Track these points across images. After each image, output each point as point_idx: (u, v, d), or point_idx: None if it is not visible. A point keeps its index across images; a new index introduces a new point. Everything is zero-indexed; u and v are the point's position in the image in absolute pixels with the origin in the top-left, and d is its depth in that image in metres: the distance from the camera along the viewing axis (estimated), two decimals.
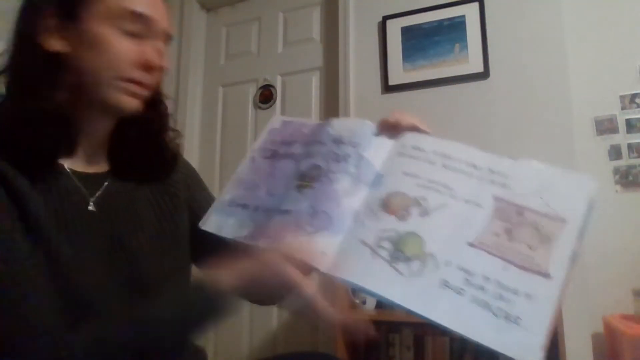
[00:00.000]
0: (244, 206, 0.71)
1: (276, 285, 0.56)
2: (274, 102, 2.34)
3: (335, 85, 2.12)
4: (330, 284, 0.62)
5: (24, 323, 0.54)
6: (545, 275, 0.54)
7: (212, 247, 0.68)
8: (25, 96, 0.60)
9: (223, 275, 0.58)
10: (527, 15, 1.84)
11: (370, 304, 1.73)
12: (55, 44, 0.62)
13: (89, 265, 0.62)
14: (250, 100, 2.41)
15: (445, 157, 0.67)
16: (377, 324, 1.79)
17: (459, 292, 0.54)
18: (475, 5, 1.90)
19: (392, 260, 0.58)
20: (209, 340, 2.17)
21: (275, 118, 0.84)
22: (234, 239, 0.67)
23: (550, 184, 0.61)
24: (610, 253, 1.80)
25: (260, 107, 2.37)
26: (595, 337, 1.65)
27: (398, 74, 1.98)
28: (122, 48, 0.62)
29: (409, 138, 0.71)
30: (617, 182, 1.86)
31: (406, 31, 2.00)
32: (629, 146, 1.87)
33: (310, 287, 0.56)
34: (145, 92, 0.67)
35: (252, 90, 2.41)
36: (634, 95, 1.88)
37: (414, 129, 0.71)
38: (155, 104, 0.73)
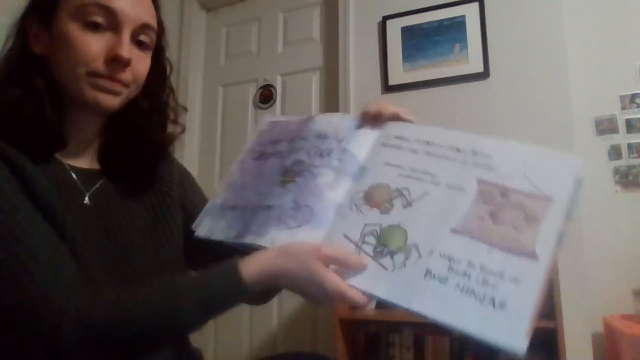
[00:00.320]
0: (234, 208, 0.71)
1: (305, 280, 0.56)
2: (274, 102, 2.34)
3: (335, 85, 2.12)
4: None
5: (40, 275, 0.54)
6: (531, 256, 0.53)
7: (207, 250, 0.69)
8: (12, 94, 0.62)
9: (251, 262, 0.57)
10: (527, 15, 1.84)
11: (370, 304, 1.73)
12: (39, 48, 0.65)
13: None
14: (250, 100, 2.40)
15: (427, 143, 0.67)
16: (377, 324, 1.79)
17: (443, 280, 0.54)
18: (475, 5, 1.90)
19: (376, 255, 0.58)
20: (209, 340, 2.18)
21: (264, 120, 0.84)
22: (225, 241, 0.67)
23: (536, 163, 0.60)
24: (610, 253, 1.80)
25: (260, 107, 2.37)
26: (595, 337, 1.65)
27: (398, 74, 1.98)
28: (86, 43, 0.62)
29: (392, 128, 0.70)
30: (617, 182, 1.86)
31: (406, 31, 2.00)
32: (629, 146, 1.87)
33: (341, 282, 0.55)
34: (119, 88, 0.65)
35: (252, 90, 2.41)
36: (634, 95, 1.88)
37: (396, 117, 0.71)
38: (144, 102, 0.72)
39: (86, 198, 0.68)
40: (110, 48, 0.63)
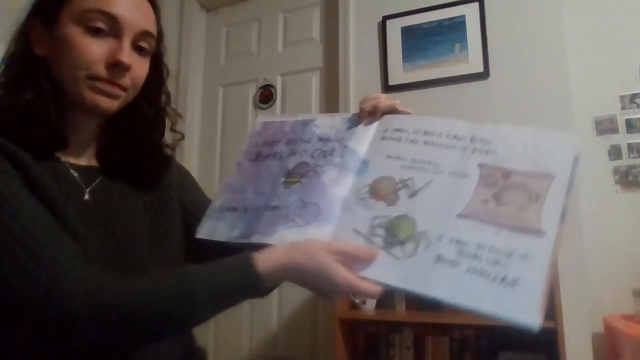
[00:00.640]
0: (234, 209, 0.72)
1: (315, 274, 0.57)
2: (274, 102, 2.34)
3: (335, 85, 2.12)
4: None
5: (45, 257, 0.54)
6: (538, 232, 0.54)
7: (207, 250, 0.69)
8: (14, 94, 0.64)
9: (265, 256, 0.58)
10: (527, 15, 1.84)
11: (370, 304, 1.74)
12: (40, 49, 0.66)
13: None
14: (250, 100, 2.40)
15: (426, 133, 0.68)
16: (377, 324, 1.79)
17: (454, 264, 0.55)
18: (475, 5, 1.90)
19: (387, 245, 0.59)
20: (209, 340, 2.18)
21: (257, 121, 0.85)
22: (227, 241, 0.68)
23: (534, 144, 0.62)
24: (610, 253, 1.80)
25: (260, 107, 2.37)
26: (595, 337, 1.65)
27: (398, 74, 1.98)
28: (88, 47, 0.64)
29: (390, 120, 0.72)
30: (617, 182, 1.86)
31: (406, 31, 2.00)
32: (629, 146, 1.87)
33: (350, 274, 0.56)
34: (118, 92, 0.67)
35: (252, 90, 2.41)
36: (634, 95, 1.88)
37: (393, 110, 0.72)
38: (141, 106, 0.74)
39: (86, 194, 0.69)
40: (111, 53, 0.64)
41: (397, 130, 0.70)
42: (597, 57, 1.92)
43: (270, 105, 2.35)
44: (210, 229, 0.72)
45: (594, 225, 1.76)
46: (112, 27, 0.65)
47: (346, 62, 2.09)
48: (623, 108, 1.89)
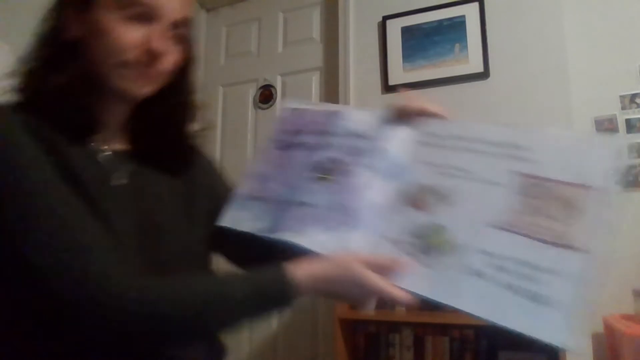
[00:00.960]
0: (259, 199, 0.71)
1: (348, 284, 0.57)
2: (274, 102, 2.34)
3: (335, 85, 2.12)
4: None
5: (78, 252, 0.54)
6: (578, 248, 0.51)
7: (233, 238, 0.70)
8: (44, 78, 0.63)
9: (303, 269, 0.58)
10: (527, 15, 1.84)
11: (370, 304, 1.73)
12: (72, 32, 0.65)
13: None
14: (250, 100, 2.40)
15: (462, 139, 0.66)
16: (377, 324, 1.79)
17: (485, 277, 0.53)
18: (475, 5, 1.90)
19: (418, 254, 0.58)
20: None
21: (286, 106, 0.82)
22: (252, 233, 0.67)
23: (575, 151, 0.58)
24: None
25: (260, 107, 2.37)
26: (595, 337, 1.65)
27: (398, 73, 1.98)
28: (124, 34, 0.63)
29: (424, 124, 0.70)
30: (617, 182, 1.86)
31: (406, 31, 2.00)
32: (629, 146, 1.87)
33: (381, 281, 0.57)
34: (151, 78, 0.66)
35: (252, 90, 2.41)
36: (634, 95, 1.87)
37: (424, 112, 0.72)
38: (172, 92, 0.73)
39: (117, 179, 0.68)
40: (146, 40, 0.63)
41: (432, 135, 0.68)
42: (597, 57, 1.92)
43: (270, 105, 2.35)
44: (234, 218, 0.70)
45: None
46: (149, 13, 0.64)
47: (346, 62, 2.09)
48: (623, 108, 1.88)
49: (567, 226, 0.53)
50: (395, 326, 1.76)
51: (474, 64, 1.86)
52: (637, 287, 1.66)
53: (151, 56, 0.64)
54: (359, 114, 0.75)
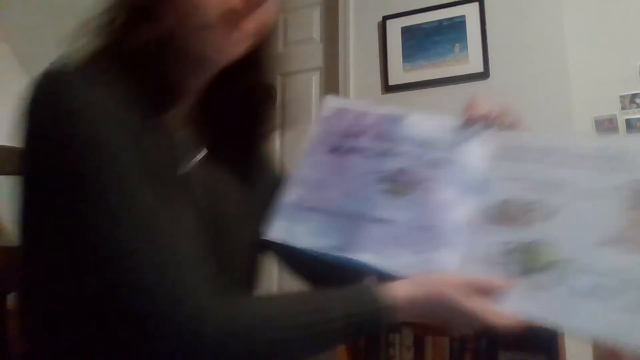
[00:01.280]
0: (315, 210, 0.64)
1: (444, 311, 0.53)
2: (274, 102, 2.34)
3: (335, 85, 2.12)
4: None
5: (167, 275, 0.46)
6: None
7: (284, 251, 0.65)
8: (120, 43, 0.55)
9: (398, 290, 0.53)
10: (527, 15, 1.84)
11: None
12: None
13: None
14: None
15: (550, 152, 0.61)
16: None
17: (600, 297, 0.49)
18: (475, 5, 1.90)
19: (521, 274, 0.53)
20: None
21: (327, 104, 0.74)
22: (312, 250, 0.60)
23: None
24: None
25: None
26: None
27: (398, 74, 1.98)
28: None
29: (508, 137, 0.64)
30: None
31: (406, 31, 2.00)
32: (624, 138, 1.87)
33: (480, 309, 0.51)
34: (234, 44, 0.57)
35: None
36: (634, 95, 1.88)
37: (498, 121, 0.65)
38: (253, 66, 0.63)
39: (187, 166, 0.60)
40: (229, 0, 0.54)
41: (517, 148, 0.63)
42: (597, 57, 1.91)
43: None
44: (285, 231, 0.63)
45: None
46: None
47: (346, 62, 2.09)
48: (623, 108, 1.88)
49: None
50: (395, 326, 1.76)
51: (474, 64, 1.86)
52: None
53: (233, 16, 0.55)
54: (424, 120, 0.68)
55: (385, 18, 2.05)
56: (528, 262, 0.54)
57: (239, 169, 0.68)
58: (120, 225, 0.46)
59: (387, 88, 1.98)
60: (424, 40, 1.97)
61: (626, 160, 0.56)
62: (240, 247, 0.65)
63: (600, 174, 0.57)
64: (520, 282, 0.53)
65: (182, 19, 0.55)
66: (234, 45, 0.57)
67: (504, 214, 0.58)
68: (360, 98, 2.03)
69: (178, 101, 0.60)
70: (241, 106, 0.66)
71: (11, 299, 0.67)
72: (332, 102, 0.75)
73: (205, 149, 0.64)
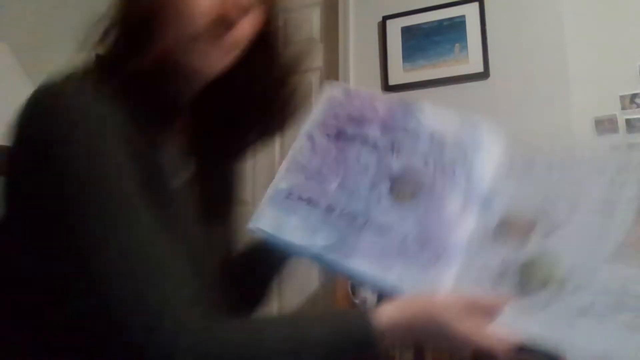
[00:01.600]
0: (310, 201, 0.58)
1: (439, 337, 0.51)
2: None
3: None
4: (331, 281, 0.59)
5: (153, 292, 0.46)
6: None
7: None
8: (121, 62, 0.55)
9: (384, 315, 0.51)
10: (527, 15, 1.84)
11: (371, 303, 1.73)
12: (142, 13, 0.56)
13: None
14: None
15: (561, 164, 0.58)
16: None
17: (602, 317, 0.47)
18: (475, 5, 1.90)
19: (520, 292, 0.51)
20: None
21: (335, 86, 0.68)
22: (303, 248, 0.56)
23: None
24: None
25: None
26: None
27: (398, 73, 1.98)
28: (195, 4, 0.55)
29: (515, 149, 0.61)
30: None
31: (406, 31, 2.00)
32: (629, 146, 1.86)
33: (472, 334, 0.49)
34: (225, 54, 0.57)
35: None
36: (634, 95, 1.87)
37: None
38: (247, 80, 0.63)
39: (179, 179, 0.60)
40: (217, 9, 0.55)
41: (525, 160, 0.60)
42: (597, 57, 1.91)
43: None
44: (275, 221, 0.57)
45: None
46: None
47: (346, 62, 2.09)
48: (623, 108, 1.88)
49: None
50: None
51: (474, 64, 1.86)
52: None
53: (224, 25, 0.55)
54: (440, 112, 0.63)
55: (385, 18, 2.05)
56: (526, 279, 0.52)
57: (222, 180, 0.68)
58: (110, 244, 0.46)
59: (387, 88, 1.98)
60: (424, 40, 1.97)
61: (628, 173, 0.54)
62: (218, 264, 0.65)
63: (609, 187, 0.54)
64: (517, 300, 0.51)
65: (174, 30, 0.55)
66: (223, 56, 0.57)
67: (505, 230, 0.56)
68: None
69: (172, 116, 0.60)
70: (231, 117, 0.65)
71: None
72: (340, 85, 0.69)
73: (195, 162, 0.63)
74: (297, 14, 2.37)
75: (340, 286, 1.58)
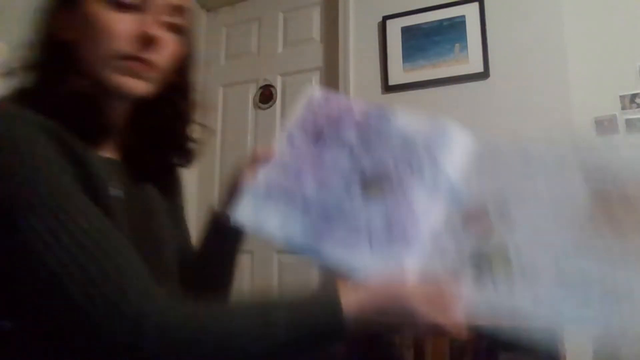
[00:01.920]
0: (287, 196, 0.62)
1: (398, 319, 0.53)
2: (274, 102, 2.34)
3: (335, 85, 2.12)
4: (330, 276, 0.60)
5: (116, 274, 0.48)
6: None
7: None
8: (45, 85, 0.59)
9: (351, 299, 0.52)
10: (527, 15, 1.84)
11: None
12: (64, 34, 0.60)
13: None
14: (250, 101, 2.40)
15: (524, 156, 0.61)
16: None
17: (559, 300, 0.49)
18: (475, 5, 1.90)
19: (480, 280, 0.54)
20: None
21: (313, 88, 0.73)
22: (280, 237, 0.59)
23: None
24: None
25: (260, 107, 2.37)
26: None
27: (398, 74, 1.98)
28: (115, 23, 0.58)
29: (483, 144, 0.64)
30: None
31: (406, 31, 2.00)
32: (629, 146, 1.86)
33: (434, 317, 0.52)
34: (149, 72, 0.61)
35: (252, 91, 2.41)
36: (634, 95, 1.87)
37: None
38: (171, 96, 0.68)
39: (115, 190, 0.62)
40: (138, 27, 0.59)
41: (492, 153, 0.63)
42: (597, 57, 1.91)
43: (270, 106, 2.35)
44: (253, 215, 0.61)
45: None
46: (139, 1, 0.59)
47: (346, 62, 2.09)
48: (623, 108, 1.88)
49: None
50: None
51: (474, 64, 1.86)
52: None
53: (144, 43, 0.59)
54: (411, 117, 0.67)
55: (385, 18, 2.05)
56: (485, 268, 0.54)
57: (160, 193, 0.72)
58: (63, 241, 0.48)
59: (387, 88, 1.98)
60: (424, 40, 1.97)
61: (599, 160, 0.56)
62: (173, 266, 0.68)
63: (569, 175, 0.57)
64: (475, 288, 0.53)
65: (96, 50, 0.58)
66: (145, 74, 0.60)
67: (470, 221, 0.58)
68: (360, 98, 2.03)
69: (102, 133, 0.63)
70: (163, 133, 0.70)
71: None
72: (316, 91, 0.73)
73: (126, 174, 0.67)
74: (297, 14, 2.38)
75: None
